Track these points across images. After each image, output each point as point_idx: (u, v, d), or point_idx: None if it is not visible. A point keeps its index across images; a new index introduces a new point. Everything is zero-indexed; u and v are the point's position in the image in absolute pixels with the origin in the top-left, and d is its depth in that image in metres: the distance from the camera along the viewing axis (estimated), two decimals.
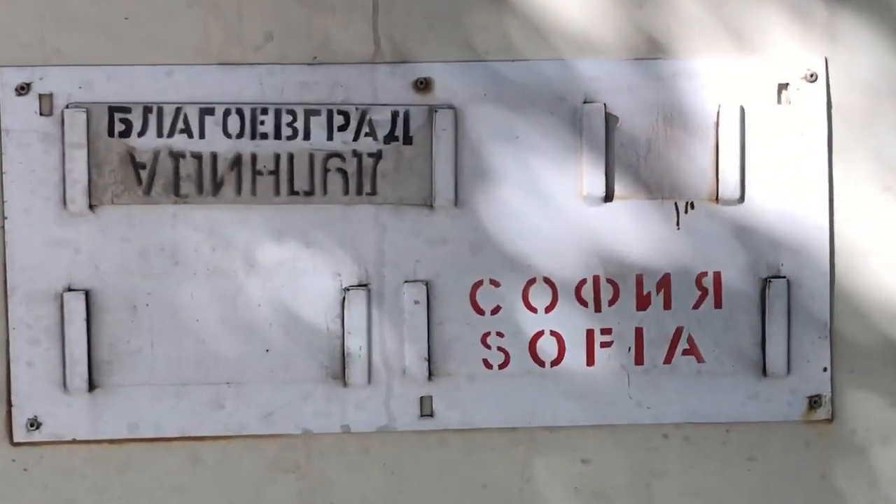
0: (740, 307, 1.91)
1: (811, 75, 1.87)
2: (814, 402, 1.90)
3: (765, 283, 1.89)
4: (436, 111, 1.85)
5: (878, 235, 1.91)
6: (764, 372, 1.89)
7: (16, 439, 1.82)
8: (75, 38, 1.82)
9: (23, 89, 1.80)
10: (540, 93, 1.88)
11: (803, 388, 1.91)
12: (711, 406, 1.92)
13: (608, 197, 1.88)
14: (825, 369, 1.90)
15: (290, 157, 1.84)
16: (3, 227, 1.80)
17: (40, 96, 1.82)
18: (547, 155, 1.88)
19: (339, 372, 1.86)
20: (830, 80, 1.88)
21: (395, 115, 1.85)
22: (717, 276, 1.89)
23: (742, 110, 1.88)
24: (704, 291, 1.90)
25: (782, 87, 1.88)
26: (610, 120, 1.88)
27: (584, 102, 1.88)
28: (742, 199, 1.89)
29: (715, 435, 1.91)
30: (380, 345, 1.87)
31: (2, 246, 1.80)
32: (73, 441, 1.83)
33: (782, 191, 1.90)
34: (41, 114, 1.82)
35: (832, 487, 1.92)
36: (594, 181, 1.87)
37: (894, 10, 1.90)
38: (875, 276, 1.91)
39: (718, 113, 1.88)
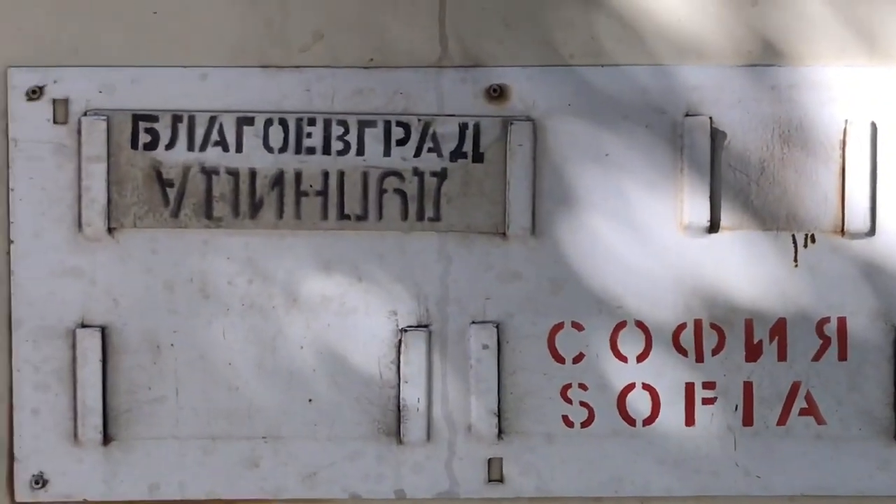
0: (869, 360, 1.74)
1: None
2: None
3: None
4: (511, 124, 1.73)
5: None
6: None
7: (18, 499, 1.70)
8: (95, 35, 1.71)
9: (34, 93, 1.70)
10: (634, 104, 1.74)
11: None
12: (834, 477, 1.75)
13: (713, 227, 1.74)
14: None
15: (341, 176, 1.71)
16: (9, 252, 1.67)
17: (54, 102, 1.72)
18: (641, 177, 1.72)
19: (394, 427, 1.73)
20: None
21: (463, 127, 1.71)
22: (842, 322, 1.72)
23: (874, 127, 1.72)
24: (827, 340, 1.74)
25: None
26: (716, 136, 1.74)
27: (687, 115, 1.74)
28: (873, 231, 1.73)
29: None
30: (441, 396, 1.73)
31: (7, 274, 1.66)
32: (85, 502, 1.69)
33: None
34: (55, 122, 1.72)
35: None
36: (697, 208, 1.72)
37: None
38: None
39: (845, 130, 1.72)
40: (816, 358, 1.74)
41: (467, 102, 1.74)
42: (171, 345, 1.70)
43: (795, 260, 1.73)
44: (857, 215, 1.71)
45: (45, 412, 1.69)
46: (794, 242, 1.73)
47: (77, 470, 1.69)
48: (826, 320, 1.73)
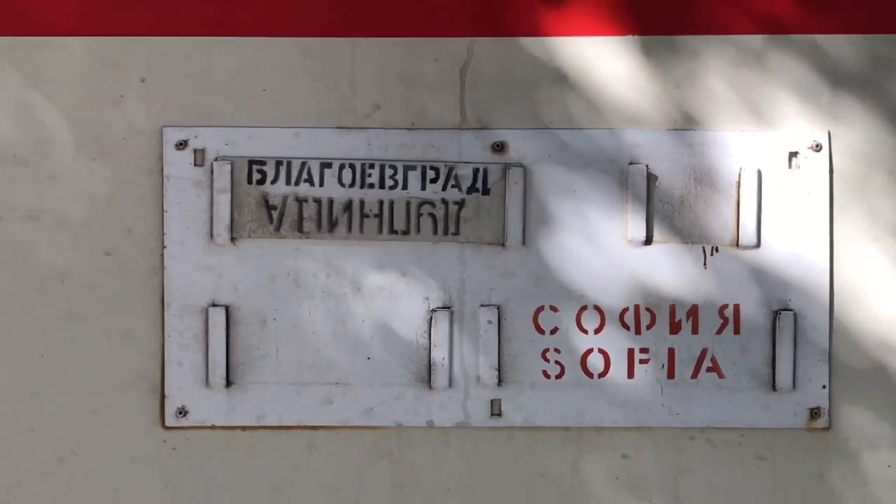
0: (755, 334, 2.11)
1: (816, 146, 2.09)
2: (814, 413, 2.12)
3: (775, 315, 2.09)
4: (509, 169, 2.08)
5: (869, 278, 2.13)
6: (773, 387, 2.10)
7: (167, 424, 2.11)
8: (223, 106, 2.10)
9: (181, 145, 2.09)
10: (593, 155, 2.10)
11: (806, 401, 2.12)
12: (730, 414, 2.12)
13: (648, 241, 2.10)
14: (824, 386, 2.11)
15: (391, 204, 2.09)
16: (163, 254, 2.09)
17: (194, 151, 2.09)
18: (598, 206, 2.11)
19: (426, 377, 2.11)
20: (833, 150, 2.10)
21: (476, 171, 2.09)
22: (737, 307, 2.11)
23: (759, 173, 2.09)
24: (726, 320, 2.11)
25: (792, 154, 2.09)
26: (650, 179, 2.10)
27: (630, 164, 2.09)
28: (758, 245, 2.10)
29: (732, 438, 2.12)
30: (459, 356, 2.11)
31: (161, 269, 2.09)
32: (213, 427, 2.12)
33: (791, 239, 2.11)
34: (195, 165, 2.09)
35: (829, 485, 2.14)
36: (637, 228, 2.10)
37: (883, 95, 2.11)
38: (867, 311, 2.13)
39: (740, 175, 2.09)
40: (719, 332, 2.11)
41: (479, 153, 2.10)
42: (273, 319, 2.10)
43: (705, 264, 2.12)
44: (747, 234, 2.09)
45: (187, 365, 2.10)
46: (704, 252, 2.12)
47: (208, 405, 2.11)
48: (725, 306, 2.11)
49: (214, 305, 2.09)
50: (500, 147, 2.09)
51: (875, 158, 2.11)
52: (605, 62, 2.09)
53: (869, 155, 2.10)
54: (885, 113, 2.10)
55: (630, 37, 2.08)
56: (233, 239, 2.08)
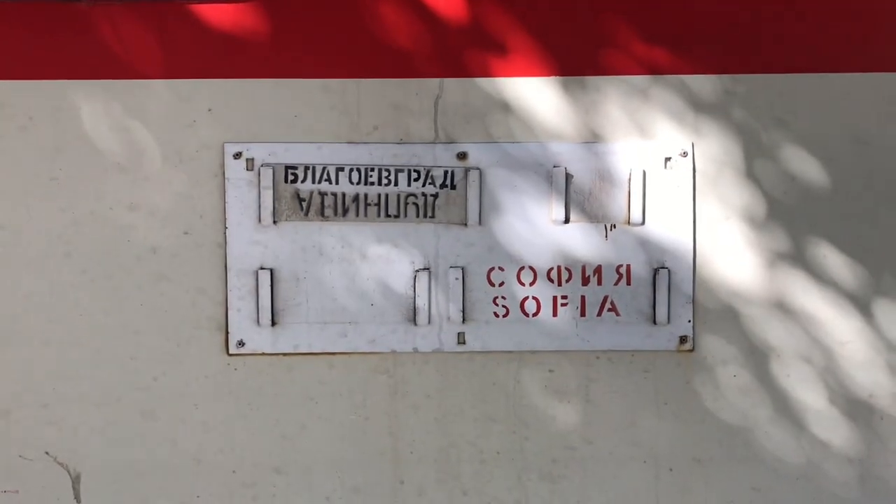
0: (641, 285, 2.50)
1: (684, 153, 2.48)
2: (683, 340, 2.53)
3: (655, 271, 2.49)
4: (469, 171, 2.45)
5: (721, 245, 2.55)
6: (654, 322, 2.50)
7: (230, 352, 2.50)
8: (267, 127, 2.46)
9: (237, 156, 2.45)
10: (528, 161, 2.47)
11: (677, 331, 2.53)
12: (624, 341, 2.52)
13: (567, 221, 2.47)
14: (689, 321, 2.52)
15: (387, 196, 2.45)
16: (225, 233, 2.47)
17: (247, 160, 2.45)
18: (532, 196, 2.49)
19: (412, 317, 2.48)
20: (695, 156, 2.50)
21: (446, 172, 2.46)
22: (629, 266, 2.50)
23: (644, 173, 2.47)
24: (621, 276, 2.50)
25: (667, 159, 2.48)
26: (568, 177, 2.47)
27: (553, 167, 2.46)
28: (643, 223, 2.48)
29: (625, 357, 2.55)
30: (435, 302, 2.50)
31: (224, 243, 2.47)
32: (262, 353, 2.50)
33: (666, 219, 2.50)
34: (247, 170, 2.45)
35: (693, 390, 2.58)
36: (559, 212, 2.47)
37: (730, 118, 2.53)
38: (719, 268, 2.56)
39: (630, 174, 2.46)
40: (616, 284, 2.50)
41: (448, 160, 2.47)
42: (304, 278, 2.45)
43: (606, 237, 2.49)
44: (636, 215, 2.46)
45: (244, 310, 2.47)
46: (606, 228, 2.49)
47: (259, 338, 2.47)
48: (621, 265, 2.49)
49: (262, 269, 2.45)
50: (463, 156, 2.46)
51: (725, 162, 2.53)
52: (536, 95, 2.51)
53: (721, 159, 2.53)
54: (731, 130, 2.53)
55: (554, 77, 2.54)
56: (275, 222, 2.44)
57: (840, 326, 2.64)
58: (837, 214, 2.61)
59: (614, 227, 2.54)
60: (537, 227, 2.52)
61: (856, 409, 2.66)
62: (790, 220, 2.61)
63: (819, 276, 2.64)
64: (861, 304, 2.65)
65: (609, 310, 2.55)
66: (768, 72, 2.54)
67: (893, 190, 2.64)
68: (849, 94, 2.59)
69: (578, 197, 2.52)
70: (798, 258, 2.63)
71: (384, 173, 2.50)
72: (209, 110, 2.51)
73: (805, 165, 2.62)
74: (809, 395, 2.65)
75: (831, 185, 2.62)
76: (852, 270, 2.65)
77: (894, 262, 2.65)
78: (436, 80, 2.51)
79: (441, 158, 2.50)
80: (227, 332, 2.54)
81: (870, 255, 2.63)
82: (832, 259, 2.63)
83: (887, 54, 2.59)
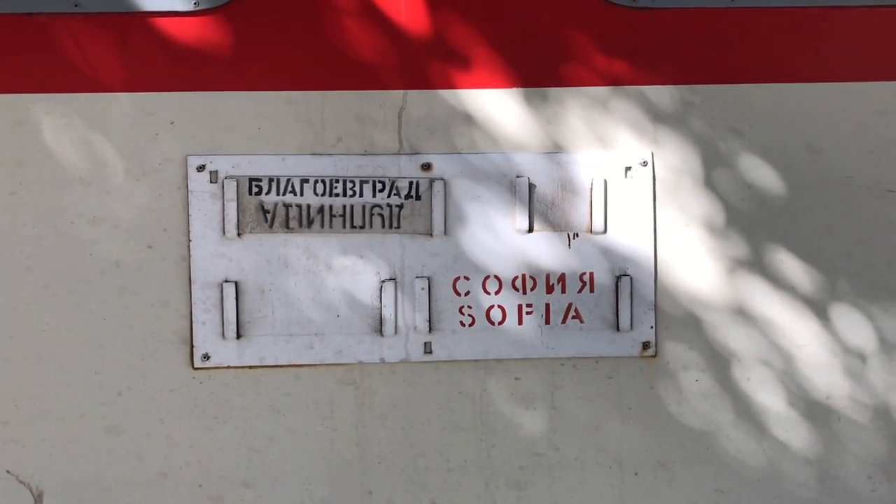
0: (604, 292, 2.49)
1: (644, 162, 2.49)
2: (645, 346, 2.52)
3: (618, 278, 2.48)
4: (434, 182, 2.44)
5: (681, 252, 2.53)
6: (617, 328, 2.49)
7: (195, 366, 2.45)
8: (230, 140, 2.42)
9: (201, 168, 2.41)
10: (492, 171, 2.46)
11: (640, 337, 2.52)
12: (588, 348, 2.50)
13: (530, 230, 2.46)
14: (652, 327, 2.51)
15: (352, 207, 2.43)
16: (189, 245, 2.42)
17: (210, 172, 2.41)
18: (496, 206, 2.47)
19: (379, 328, 2.45)
20: (655, 165, 2.50)
21: (411, 183, 2.44)
22: (592, 274, 2.49)
23: (605, 182, 2.48)
24: (584, 283, 2.49)
25: (627, 168, 2.49)
26: (531, 187, 2.46)
27: (517, 177, 2.46)
28: (605, 231, 2.48)
29: (589, 364, 2.52)
30: (402, 312, 2.46)
31: (188, 256, 2.41)
32: (228, 367, 2.45)
33: (628, 227, 2.49)
34: (210, 182, 2.41)
35: (656, 394, 2.55)
36: (522, 221, 2.46)
37: (688, 128, 2.49)
38: (680, 274, 2.53)
39: (592, 183, 2.47)
40: (580, 291, 2.49)
41: (413, 171, 2.45)
42: (270, 290, 2.42)
43: (569, 245, 2.49)
44: (598, 223, 2.46)
45: (209, 323, 2.42)
46: (569, 237, 2.49)
47: (224, 351, 2.43)
48: (584, 273, 2.48)
49: (227, 281, 2.42)
50: (427, 167, 2.46)
51: (684, 171, 2.52)
52: (499, 106, 2.48)
53: (679, 168, 2.52)
54: (689, 140, 2.52)
55: (516, 89, 2.48)
56: (239, 234, 2.42)
57: (798, 330, 2.60)
58: (793, 221, 2.58)
59: (577, 235, 2.51)
60: (502, 237, 2.48)
61: (814, 410, 2.62)
62: (748, 227, 2.57)
63: (777, 282, 2.59)
64: (818, 309, 2.61)
65: (573, 317, 2.52)
66: (723, 82, 2.51)
67: (845, 196, 2.60)
68: (801, 104, 2.55)
69: (541, 206, 2.49)
70: (756, 264, 2.58)
71: (349, 184, 2.46)
72: (172, 123, 2.45)
73: (761, 173, 2.57)
74: (769, 398, 2.60)
75: (787, 193, 2.58)
76: (809, 275, 2.60)
77: (849, 266, 2.61)
78: (399, 92, 2.46)
79: (406, 169, 2.46)
80: (192, 346, 2.48)
81: (825, 261, 2.59)
82: (789, 264, 2.59)
83: (839, 64, 2.55)
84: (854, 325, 2.60)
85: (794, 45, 2.56)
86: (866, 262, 2.59)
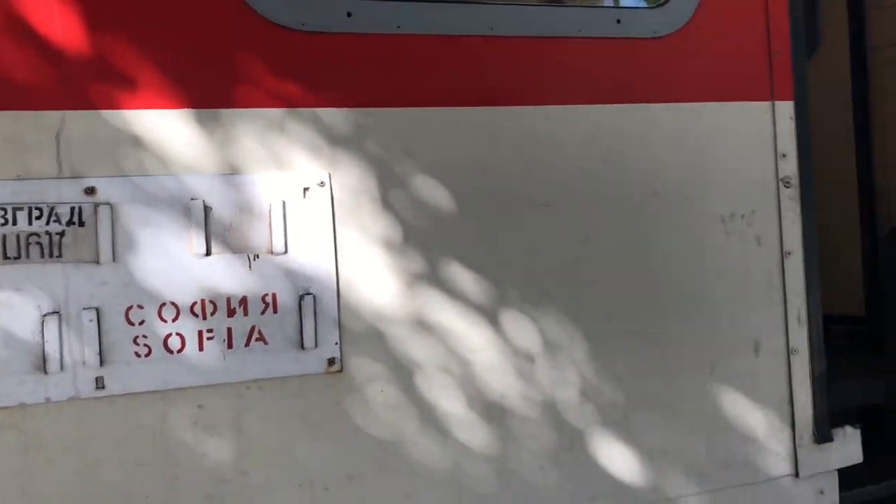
0: (288, 312, 2.17)
1: (321, 183, 2.21)
2: (331, 362, 2.22)
3: (301, 298, 2.17)
4: (99, 206, 2.03)
5: (361, 270, 2.22)
6: (302, 347, 2.18)
7: None
8: None
9: None
10: (164, 194, 2.10)
11: (325, 354, 2.22)
12: (273, 368, 2.18)
13: (208, 253, 2.12)
14: (336, 343, 2.22)
15: (5, 237, 1.98)
16: None
17: None
18: (170, 230, 2.10)
19: (42, 366, 2.00)
20: (332, 185, 2.22)
21: (73, 209, 2.02)
22: (274, 295, 2.17)
23: (283, 203, 2.18)
24: (267, 304, 2.16)
25: (305, 189, 2.19)
26: (206, 209, 2.12)
27: (192, 199, 2.11)
28: (286, 251, 2.18)
29: (276, 384, 2.17)
30: (68, 347, 2.02)
31: None
32: None
33: (309, 246, 2.20)
34: None
35: (344, 409, 2.25)
36: (199, 244, 2.11)
37: (363, 150, 2.23)
38: (361, 291, 2.27)
39: (271, 204, 2.16)
40: (263, 313, 2.13)
41: (75, 196, 2.03)
42: None
43: (250, 267, 2.16)
44: (278, 244, 2.16)
45: None
46: (249, 259, 2.15)
47: None
48: (266, 294, 2.16)
49: None
50: (91, 191, 2.04)
51: (361, 191, 2.26)
52: (169, 128, 2.09)
53: (357, 189, 2.25)
54: (364, 161, 2.25)
55: (186, 109, 2.10)
56: None
57: (472, 337, 2.38)
58: (463, 235, 2.36)
59: (258, 257, 2.18)
60: (177, 262, 2.11)
61: (491, 411, 2.41)
62: (423, 242, 2.32)
63: (451, 293, 2.36)
64: (489, 316, 2.40)
65: (257, 339, 2.18)
66: (393, 105, 2.28)
67: (508, 210, 2.41)
68: (464, 125, 2.36)
69: (219, 229, 2.14)
70: (432, 277, 2.34)
71: (0, 212, 1.98)
72: None
73: (433, 192, 2.34)
74: (450, 403, 2.36)
75: (456, 208, 2.36)
76: (479, 285, 2.39)
77: (514, 275, 2.42)
78: (57, 113, 2.01)
79: (66, 194, 2.03)
80: None
81: (493, 271, 2.39)
82: (461, 276, 2.36)
83: (461, 92, 2.35)
84: (522, 329, 2.42)
85: (459, 70, 2.36)
86: (530, 271, 2.42)
